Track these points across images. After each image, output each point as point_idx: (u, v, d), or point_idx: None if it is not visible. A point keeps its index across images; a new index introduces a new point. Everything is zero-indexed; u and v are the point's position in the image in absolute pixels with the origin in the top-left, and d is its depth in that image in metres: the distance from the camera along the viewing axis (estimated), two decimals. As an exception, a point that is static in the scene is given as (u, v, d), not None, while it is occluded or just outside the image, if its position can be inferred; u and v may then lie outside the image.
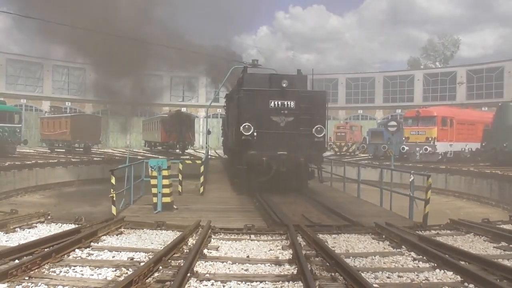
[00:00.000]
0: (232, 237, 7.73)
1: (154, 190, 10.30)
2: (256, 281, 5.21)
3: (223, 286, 5.08)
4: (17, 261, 5.61)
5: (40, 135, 36.95)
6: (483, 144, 24.37)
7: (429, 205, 9.92)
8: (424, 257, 6.37)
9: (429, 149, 24.81)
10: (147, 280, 5.08)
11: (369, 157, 31.70)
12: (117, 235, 7.55)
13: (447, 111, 27.28)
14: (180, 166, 13.29)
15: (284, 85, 12.40)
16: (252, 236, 7.85)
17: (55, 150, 33.28)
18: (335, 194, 14.33)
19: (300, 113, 12.49)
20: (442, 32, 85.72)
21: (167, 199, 10.33)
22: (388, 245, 7.37)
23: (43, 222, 8.50)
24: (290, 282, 5.24)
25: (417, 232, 8.22)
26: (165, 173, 10.32)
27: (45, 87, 46.99)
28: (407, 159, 26.75)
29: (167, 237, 7.46)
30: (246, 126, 12.30)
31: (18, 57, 44.55)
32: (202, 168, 13.55)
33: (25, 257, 5.76)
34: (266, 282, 5.22)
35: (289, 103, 12.45)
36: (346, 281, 5.15)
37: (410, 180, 10.49)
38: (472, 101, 42.64)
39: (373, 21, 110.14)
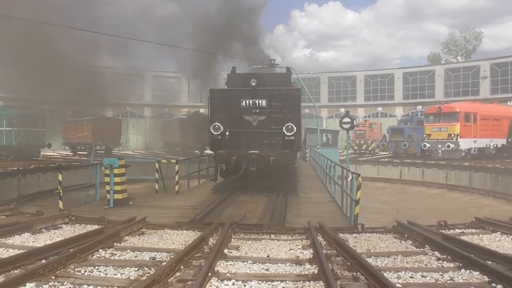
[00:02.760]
0: (252, 236, 7.74)
1: (107, 187, 10.81)
2: (277, 281, 5.20)
3: (244, 285, 5.08)
4: (43, 261, 5.75)
5: (63, 138, 37.78)
6: (509, 140, 23.74)
7: (369, 207, 9.72)
8: (449, 257, 6.23)
9: (451, 146, 24.31)
10: (169, 280, 5.13)
11: (390, 155, 31.28)
12: (139, 235, 7.65)
13: (470, 106, 26.66)
14: (157, 166, 13.77)
15: (253, 84, 12.33)
16: (272, 235, 7.84)
17: (77, 153, 33.99)
18: (313, 194, 13.34)
19: (271, 111, 12.37)
20: (464, 26, 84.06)
21: (118, 196, 10.77)
22: (411, 244, 7.25)
23: (67, 223, 8.68)
24: (311, 281, 5.20)
25: (440, 231, 8.07)
26: (116, 171, 10.75)
27: (68, 91, 47.91)
28: (429, 157, 26.31)
29: (188, 237, 7.52)
30: (216, 125, 12.45)
31: (40, 60, 45.41)
32: (177, 167, 13.79)
33: (51, 257, 5.89)
34: (287, 281, 5.20)
35: (260, 101, 12.39)
36: (368, 281, 5.08)
37: (349, 179, 10.21)
38: (496, 95, 41.54)
39: (391, 17, 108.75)
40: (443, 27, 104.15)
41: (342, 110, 51.61)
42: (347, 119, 10.41)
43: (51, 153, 31.14)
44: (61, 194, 10.31)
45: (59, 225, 8.43)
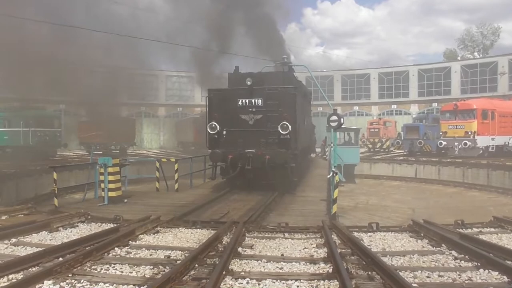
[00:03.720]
0: (266, 235, 7.73)
1: (102, 185, 11.14)
2: (291, 280, 5.18)
3: (258, 284, 5.08)
4: (61, 258, 5.85)
5: (79, 138, 38.31)
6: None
7: (383, 206, 9.48)
8: (466, 256, 6.13)
9: (468, 143, 23.89)
10: (184, 278, 5.16)
11: (404, 153, 30.92)
12: (154, 233, 7.71)
13: (488, 103, 26.13)
14: (157, 165, 14.15)
15: (248, 83, 12.40)
16: (286, 234, 7.82)
17: (93, 152, 34.41)
18: (311, 193, 13.11)
19: (267, 110, 12.41)
20: (480, 21, 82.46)
21: (112, 193, 11.13)
22: (427, 243, 7.16)
23: (83, 221, 8.80)
24: (326, 280, 5.17)
25: (458, 230, 7.94)
26: (110, 170, 11.08)
27: (83, 92, 48.57)
28: (445, 155, 25.92)
29: (202, 235, 7.55)
30: (213, 125, 12.71)
31: (55, 63, 46.13)
32: (176, 166, 14.14)
33: (68, 255, 5.98)
34: (301, 280, 5.18)
35: (256, 101, 12.46)
36: (383, 280, 5.03)
37: (328, 176, 10.05)
38: (515, 92, 40.66)
39: (405, 13, 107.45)
40: (459, 22, 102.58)
41: (356, 108, 51.25)
42: (334, 117, 10.21)
43: (67, 153, 31.62)
44: (56, 192, 10.83)
45: (76, 224, 8.56)
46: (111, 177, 11.13)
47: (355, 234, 7.65)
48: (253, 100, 12.46)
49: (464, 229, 8.19)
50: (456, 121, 25.06)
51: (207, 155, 13.31)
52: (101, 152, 33.07)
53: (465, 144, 23.97)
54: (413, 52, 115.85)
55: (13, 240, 7.12)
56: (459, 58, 59.33)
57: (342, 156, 24.23)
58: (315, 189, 13.94)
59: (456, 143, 24.47)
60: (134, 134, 35.40)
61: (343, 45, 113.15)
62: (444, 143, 25.13)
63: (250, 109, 12.50)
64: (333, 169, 9.20)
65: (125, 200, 11.61)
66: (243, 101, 12.52)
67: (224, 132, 12.70)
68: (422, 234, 7.65)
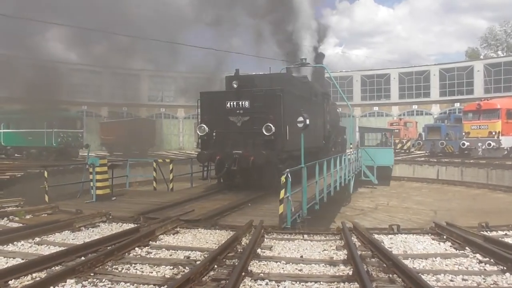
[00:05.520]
0: (285, 237, 7.70)
1: (91, 183, 11.79)
2: (311, 282, 5.15)
3: (278, 285, 5.06)
4: (83, 258, 5.95)
5: (100, 139, 39.01)
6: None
7: (404, 207, 9.17)
8: (492, 260, 5.97)
9: (492, 144, 23.31)
10: (203, 278, 5.18)
11: (426, 154, 30.37)
12: (173, 234, 7.77)
13: (512, 103, 25.45)
14: (154, 165, 14.67)
15: (234, 85, 12.69)
16: (305, 236, 7.77)
17: (114, 153, 34.99)
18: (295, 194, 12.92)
19: (254, 112, 12.57)
20: (504, 19, 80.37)
21: (100, 191, 11.74)
22: (450, 246, 7.00)
23: (105, 221, 8.94)
24: (346, 283, 5.12)
25: (482, 232, 7.74)
26: (98, 169, 11.73)
27: (104, 93, 49.50)
28: (468, 155, 25.35)
29: (221, 236, 7.57)
30: (202, 127, 13.15)
31: (78, 66, 47.19)
32: (171, 166, 14.49)
33: (90, 255, 6.09)
34: (321, 282, 5.13)
35: (243, 103, 12.70)
36: (405, 283, 4.95)
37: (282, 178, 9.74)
38: (541, 91, 39.47)
39: (426, 11, 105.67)
40: (482, 20, 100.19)
41: (376, 108, 50.62)
42: (300, 118, 10.32)
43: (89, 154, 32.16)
44: (47, 189, 11.70)
45: (97, 224, 8.70)
46: (98, 176, 11.75)
47: (376, 236, 7.55)
48: (240, 102, 12.75)
49: (488, 232, 7.98)
50: (479, 121, 24.49)
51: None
52: (121, 153, 33.67)
53: (489, 144, 23.39)
54: (435, 52, 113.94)
55: (37, 239, 7.28)
56: (481, 57, 57.98)
57: (375, 157, 23.95)
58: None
59: (479, 144, 23.91)
60: (154, 135, 35.82)
61: (363, 45, 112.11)
62: (467, 143, 24.59)
63: (238, 111, 12.79)
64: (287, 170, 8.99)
65: (113, 198, 12.17)
66: (231, 103, 12.84)
67: (214, 134, 13.09)
68: (444, 237, 7.49)
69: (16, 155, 27.56)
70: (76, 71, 47.46)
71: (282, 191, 8.51)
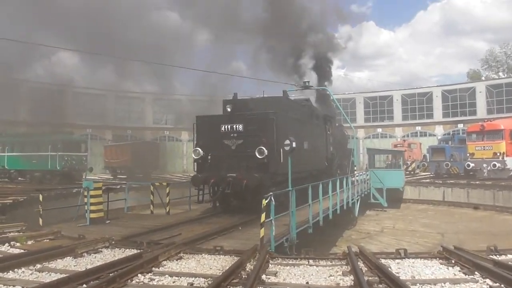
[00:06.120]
0: (290, 262, 7.57)
1: (86, 207, 11.90)
2: (318, 310, 5.01)
3: (284, 314, 4.93)
4: (84, 285, 5.85)
5: (104, 163, 39.08)
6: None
7: (411, 230, 9.00)
8: (502, 285, 5.82)
9: (497, 165, 23.14)
10: (207, 307, 5.06)
11: (431, 175, 30.15)
12: (177, 260, 7.65)
13: (516, 123, 25.38)
14: (152, 188, 14.74)
15: (228, 109, 13.05)
16: (311, 261, 7.63)
17: (117, 176, 34.98)
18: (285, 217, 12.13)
19: (248, 135, 12.74)
20: (504, 41, 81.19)
21: (93, 215, 11.79)
22: (459, 271, 6.83)
23: (107, 247, 8.82)
24: (354, 311, 4.98)
25: (491, 256, 7.58)
26: (92, 193, 11.82)
27: (108, 116, 49.89)
28: (474, 177, 25.14)
29: (225, 262, 7.45)
30: (197, 150, 13.37)
31: (83, 89, 47.79)
32: (167, 190, 14.58)
33: (92, 282, 5.98)
34: (328, 310, 5.00)
35: (237, 126, 12.94)
36: (415, 311, 4.81)
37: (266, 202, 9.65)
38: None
39: (427, 34, 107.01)
40: (482, 42, 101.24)
41: (379, 130, 50.65)
42: (287, 141, 10.47)
43: (92, 177, 32.16)
44: (41, 213, 11.79)
45: (100, 249, 8.58)
46: (92, 200, 11.85)
47: (382, 260, 7.40)
48: (234, 126, 12.96)
49: (498, 256, 7.81)
50: (483, 142, 24.39)
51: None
52: (125, 176, 33.65)
53: (494, 165, 23.22)
54: (436, 73, 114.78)
55: (38, 266, 7.17)
56: (483, 78, 58.29)
57: (384, 179, 23.63)
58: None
59: (484, 165, 23.74)
60: (158, 158, 35.87)
61: (365, 67, 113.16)
62: (472, 164, 24.43)
63: (232, 135, 12.99)
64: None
65: (107, 222, 12.17)
66: (226, 127, 13.07)
67: (209, 157, 13.27)
68: (453, 261, 7.32)
69: (19, 178, 27.61)
70: (82, 95, 48.25)
71: (263, 215, 8.43)
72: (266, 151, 12.22)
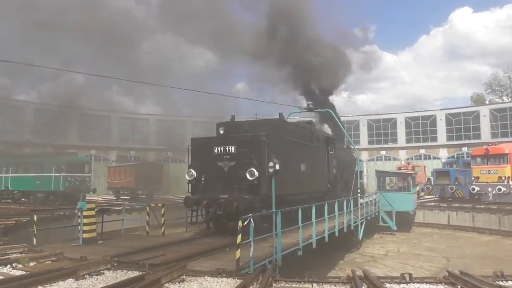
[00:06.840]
0: (294, 285, 7.48)
1: (79, 227, 12.08)
2: (322, 335, 4.93)
3: None
4: (85, 308, 5.79)
5: (107, 183, 39.11)
6: None
7: (415, 254, 8.80)
8: (509, 312, 5.71)
9: (503, 189, 22.99)
10: (209, 331, 4.99)
11: (435, 199, 29.93)
12: (179, 282, 7.57)
13: (520, 147, 25.32)
14: (147, 209, 14.76)
15: (221, 131, 13.40)
16: (315, 284, 7.54)
17: (120, 197, 34.92)
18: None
19: (240, 157, 12.87)
20: (507, 65, 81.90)
21: (86, 235, 11.92)
22: (465, 296, 6.73)
23: (109, 268, 8.75)
24: (358, 337, 4.90)
25: (497, 282, 7.45)
26: (85, 213, 12.03)
27: (112, 138, 50.24)
28: (479, 201, 24.93)
29: (228, 285, 7.37)
30: (190, 172, 13.57)
31: (87, 110, 48.33)
32: (163, 211, 14.61)
33: (93, 304, 5.92)
34: (332, 336, 4.92)
35: (230, 148, 13.10)
36: (420, 338, 4.72)
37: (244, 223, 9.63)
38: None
39: (430, 58, 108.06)
40: (485, 66, 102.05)
41: (383, 152, 50.61)
42: (271, 163, 10.63)
43: (95, 198, 32.14)
44: (35, 232, 11.96)
45: (102, 271, 8.51)
46: (85, 220, 12.02)
47: (387, 285, 7.30)
48: (227, 148, 13.13)
49: (504, 282, 7.68)
50: (488, 166, 24.31)
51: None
52: (128, 197, 33.60)
53: (500, 189, 23.07)
54: (440, 96, 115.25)
55: (40, 288, 7.12)
56: (487, 102, 58.53)
57: (394, 202, 23.38)
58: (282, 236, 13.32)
59: (489, 189, 23.60)
60: (162, 179, 35.88)
61: (368, 90, 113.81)
62: (477, 188, 24.27)
63: (224, 156, 13.14)
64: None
65: (100, 242, 12.22)
66: (219, 148, 13.25)
67: (203, 179, 13.43)
68: (459, 286, 7.22)
69: (23, 199, 27.64)
70: (86, 116, 48.76)
71: (239, 236, 8.42)
72: (257, 173, 12.31)
